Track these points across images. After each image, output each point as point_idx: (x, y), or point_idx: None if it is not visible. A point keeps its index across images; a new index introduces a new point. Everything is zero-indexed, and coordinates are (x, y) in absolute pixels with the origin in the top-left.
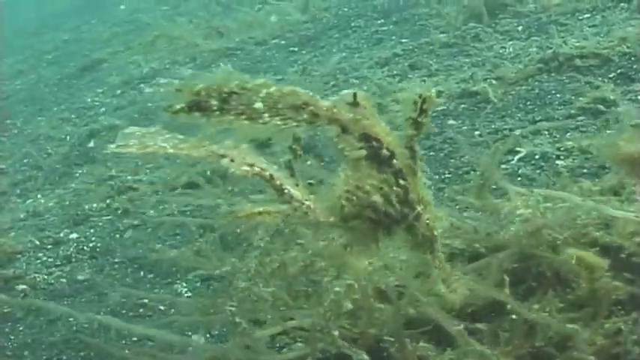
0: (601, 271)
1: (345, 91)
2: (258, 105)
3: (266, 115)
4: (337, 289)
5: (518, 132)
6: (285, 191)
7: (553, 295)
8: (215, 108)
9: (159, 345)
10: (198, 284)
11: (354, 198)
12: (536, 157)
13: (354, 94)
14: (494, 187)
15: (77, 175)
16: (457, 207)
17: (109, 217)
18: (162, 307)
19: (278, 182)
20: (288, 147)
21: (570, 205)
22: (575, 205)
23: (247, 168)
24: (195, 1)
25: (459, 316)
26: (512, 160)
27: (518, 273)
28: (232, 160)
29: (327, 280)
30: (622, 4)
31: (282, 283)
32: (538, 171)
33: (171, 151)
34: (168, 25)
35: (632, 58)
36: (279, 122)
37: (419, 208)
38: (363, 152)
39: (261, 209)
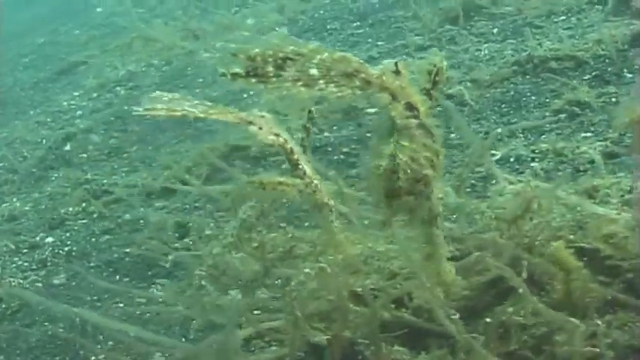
0: (578, 273)
1: (387, 61)
2: (314, 71)
3: (321, 81)
4: (307, 270)
5: (499, 130)
6: (300, 166)
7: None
8: (272, 74)
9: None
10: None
11: (409, 171)
12: (512, 159)
13: (396, 64)
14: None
15: (53, 178)
16: None
17: (84, 221)
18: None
19: (295, 156)
20: (302, 125)
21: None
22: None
23: (273, 137)
24: (172, 3)
25: (434, 321)
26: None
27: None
28: (260, 129)
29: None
30: (597, 7)
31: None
32: (514, 173)
33: (201, 115)
34: (144, 27)
35: (607, 61)
36: (334, 89)
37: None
38: (415, 121)
39: (281, 180)
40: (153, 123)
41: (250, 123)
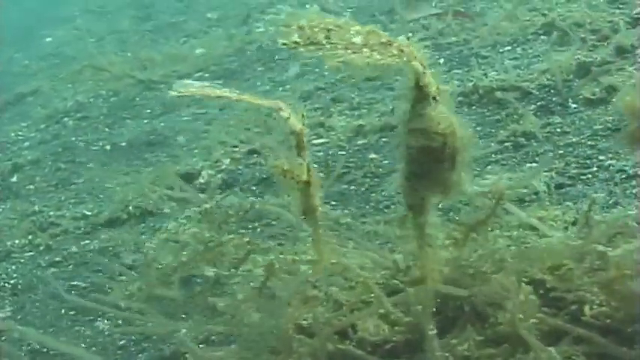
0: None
1: (400, 37)
2: (357, 39)
3: (365, 49)
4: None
5: None
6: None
7: (471, 329)
8: (325, 42)
9: None
10: (120, 321)
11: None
12: None
13: (408, 38)
14: None
15: (0, 210)
16: (377, 241)
17: (31, 254)
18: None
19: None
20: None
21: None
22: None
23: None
24: (121, 34)
25: (376, 353)
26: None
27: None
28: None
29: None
30: (542, 37)
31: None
32: (459, 204)
33: (234, 97)
34: (93, 58)
35: (552, 91)
36: (378, 57)
37: None
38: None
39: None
40: (101, 154)
41: (281, 109)
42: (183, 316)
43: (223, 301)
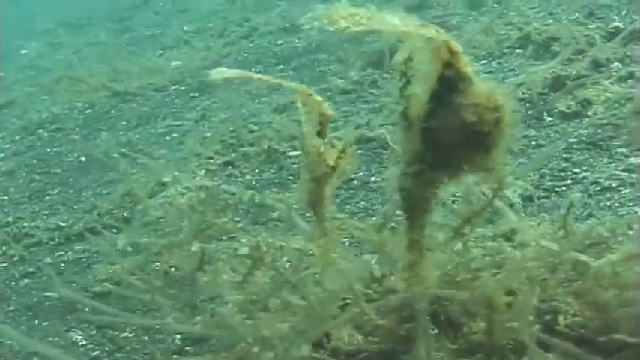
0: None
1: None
2: (396, 21)
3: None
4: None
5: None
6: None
7: (445, 338)
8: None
9: None
10: (94, 332)
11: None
12: None
13: None
14: None
15: None
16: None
17: (4, 264)
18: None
19: None
20: None
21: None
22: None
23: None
24: (98, 46)
25: None
26: None
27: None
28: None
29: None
30: (517, 51)
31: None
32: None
33: (273, 81)
34: (69, 69)
35: (528, 104)
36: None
37: None
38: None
39: None
40: (75, 166)
41: (310, 94)
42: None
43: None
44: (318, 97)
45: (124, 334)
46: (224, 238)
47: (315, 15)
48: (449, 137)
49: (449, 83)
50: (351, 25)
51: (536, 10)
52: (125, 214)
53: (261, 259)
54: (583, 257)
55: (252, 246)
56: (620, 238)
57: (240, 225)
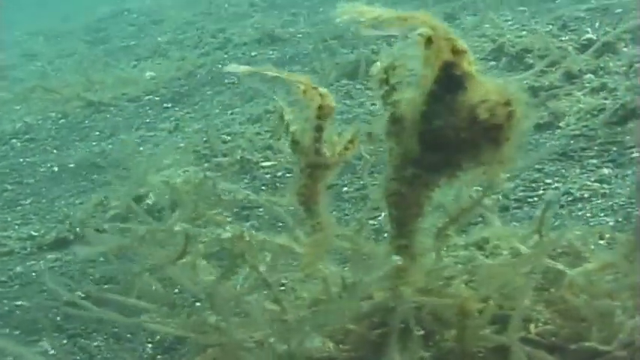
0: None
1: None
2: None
3: None
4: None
5: None
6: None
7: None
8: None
9: None
10: (65, 341)
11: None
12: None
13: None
14: None
15: None
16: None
17: None
18: None
19: None
20: None
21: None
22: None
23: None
24: (73, 57)
25: None
26: (380, 216)
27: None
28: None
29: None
30: (491, 62)
31: None
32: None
33: (284, 77)
34: (43, 80)
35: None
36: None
37: None
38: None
39: None
40: (48, 176)
41: (315, 88)
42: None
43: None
44: (323, 90)
45: (96, 343)
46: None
47: (345, 9)
48: (455, 136)
49: (450, 83)
50: (374, 18)
51: (510, 22)
52: (98, 224)
53: (242, 255)
54: (557, 265)
55: (236, 235)
56: (592, 247)
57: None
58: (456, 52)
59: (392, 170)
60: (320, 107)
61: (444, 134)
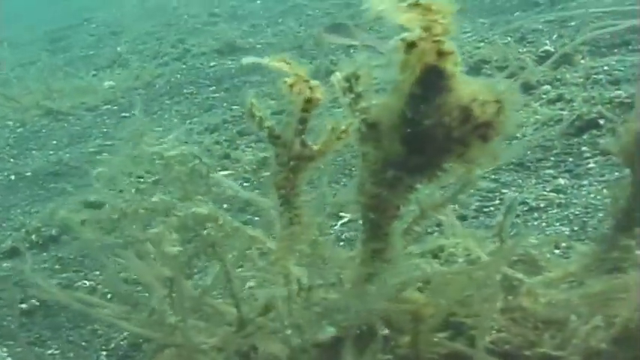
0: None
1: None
2: None
3: None
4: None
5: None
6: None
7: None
8: None
9: None
10: (19, 349)
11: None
12: (359, 221)
13: None
14: None
15: None
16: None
17: None
18: None
19: None
20: None
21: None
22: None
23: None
24: (32, 66)
25: None
26: (336, 225)
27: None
28: None
29: None
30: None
31: None
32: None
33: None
34: (3, 88)
35: None
36: None
37: None
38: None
39: None
40: (5, 184)
41: (307, 80)
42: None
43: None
44: (314, 82)
45: (50, 351)
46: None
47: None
48: (446, 135)
49: (435, 84)
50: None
51: (469, 34)
52: (53, 232)
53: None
54: (514, 273)
55: (211, 214)
56: (548, 256)
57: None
58: (442, 53)
59: (369, 174)
60: (308, 100)
61: (433, 134)
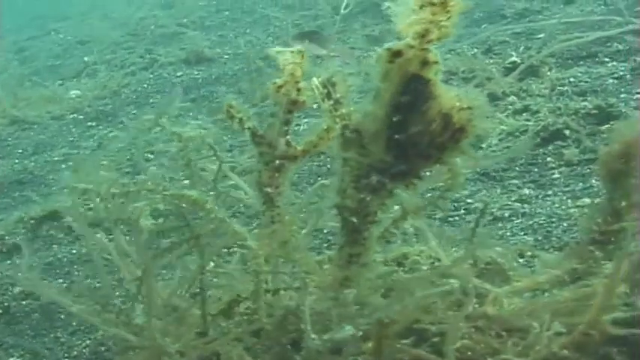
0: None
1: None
2: None
3: None
4: None
5: None
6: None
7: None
8: None
9: None
10: None
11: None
12: (325, 231)
13: None
14: None
15: None
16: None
17: None
18: None
19: None
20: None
21: None
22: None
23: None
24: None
25: None
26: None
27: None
28: None
29: None
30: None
31: None
32: (325, 244)
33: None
34: None
35: None
36: None
37: None
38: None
39: None
40: None
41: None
42: None
43: None
44: (302, 84)
45: (12, 359)
46: None
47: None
48: (430, 141)
49: (418, 93)
50: None
51: (435, 45)
52: (16, 240)
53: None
54: (478, 282)
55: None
56: (513, 264)
57: None
58: (426, 63)
59: (351, 179)
60: (294, 102)
61: (417, 141)
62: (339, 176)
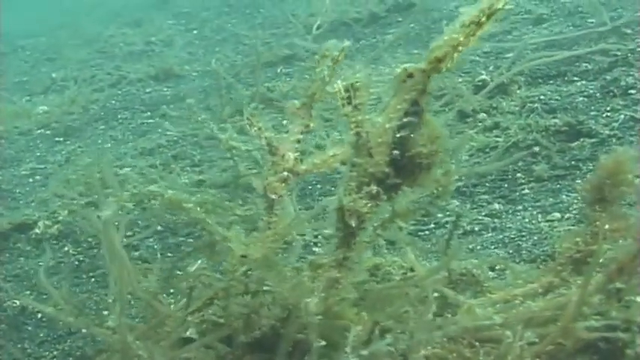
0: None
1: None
2: None
3: None
4: None
5: None
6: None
7: None
8: None
9: None
10: None
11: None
12: (294, 244)
13: None
14: None
15: None
16: None
17: None
18: None
19: None
20: None
21: None
22: None
23: None
24: None
25: None
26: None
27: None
28: None
29: None
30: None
31: None
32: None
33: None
34: None
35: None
36: None
37: None
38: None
39: None
40: None
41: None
42: None
43: None
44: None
45: None
46: None
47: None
48: (420, 162)
49: (416, 113)
50: None
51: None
52: None
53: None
54: (451, 293)
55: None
56: (485, 276)
57: None
58: (424, 92)
59: (356, 185)
60: (307, 125)
61: (415, 160)
62: (345, 180)
